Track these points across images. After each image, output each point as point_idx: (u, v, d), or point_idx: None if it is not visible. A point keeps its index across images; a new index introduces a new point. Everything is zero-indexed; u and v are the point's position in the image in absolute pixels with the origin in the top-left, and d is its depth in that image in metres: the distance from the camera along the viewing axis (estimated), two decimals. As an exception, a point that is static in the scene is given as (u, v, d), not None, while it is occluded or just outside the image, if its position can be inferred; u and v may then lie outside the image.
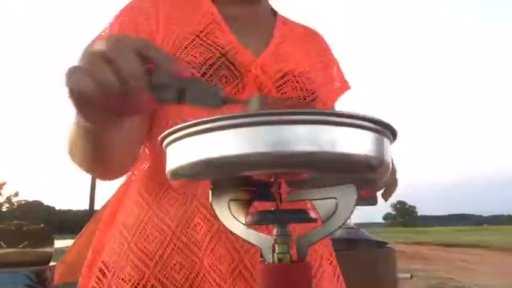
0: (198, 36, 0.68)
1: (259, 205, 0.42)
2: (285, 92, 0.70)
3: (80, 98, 0.39)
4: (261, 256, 0.39)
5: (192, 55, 0.66)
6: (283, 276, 0.37)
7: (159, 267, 0.62)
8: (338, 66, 0.88)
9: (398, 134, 0.37)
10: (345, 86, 0.88)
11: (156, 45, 0.41)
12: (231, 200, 0.40)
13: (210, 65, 0.66)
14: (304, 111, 0.32)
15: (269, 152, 0.31)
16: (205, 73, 0.65)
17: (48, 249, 2.03)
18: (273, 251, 0.38)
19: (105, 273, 0.66)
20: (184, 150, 0.35)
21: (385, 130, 0.35)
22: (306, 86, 0.72)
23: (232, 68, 0.67)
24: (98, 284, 0.67)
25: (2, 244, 1.95)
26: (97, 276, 0.67)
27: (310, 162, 0.32)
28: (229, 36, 0.70)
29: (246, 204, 0.41)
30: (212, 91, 0.41)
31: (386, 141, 0.36)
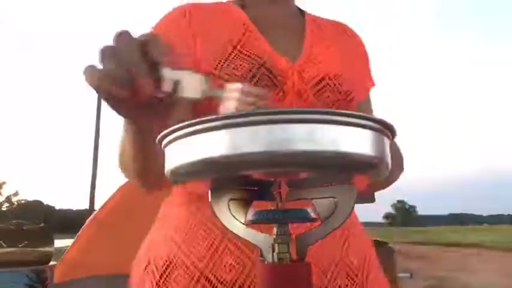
0: (235, 47, 0.70)
1: (259, 205, 0.42)
2: (324, 97, 0.71)
3: (99, 92, 0.42)
4: (261, 256, 0.39)
5: (233, 68, 0.68)
6: (283, 276, 0.36)
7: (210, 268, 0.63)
8: (368, 61, 0.86)
9: (398, 133, 0.37)
10: (371, 84, 0.86)
11: (156, 38, 0.42)
12: (231, 199, 0.40)
13: (252, 76, 0.67)
14: (304, 110, 0.32)
15: (269, 151, 0.31)
16: None
17: (48, 249, 2.03)
18: (273, 251, 0.38)
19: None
20: (183, 150, 0.35)
21: (384, 129, 0.35)
22: (342, 87, 0.73)
23: (271, 77, 0.69)
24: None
25: (2, 244, 1.94)
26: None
27: (310, 161, 0.32)
28: (263, 44, 0.71)
29: (245, 204, 0.41)
30: (198, 82, 0.43)
31: (385, 140, 0.36)
